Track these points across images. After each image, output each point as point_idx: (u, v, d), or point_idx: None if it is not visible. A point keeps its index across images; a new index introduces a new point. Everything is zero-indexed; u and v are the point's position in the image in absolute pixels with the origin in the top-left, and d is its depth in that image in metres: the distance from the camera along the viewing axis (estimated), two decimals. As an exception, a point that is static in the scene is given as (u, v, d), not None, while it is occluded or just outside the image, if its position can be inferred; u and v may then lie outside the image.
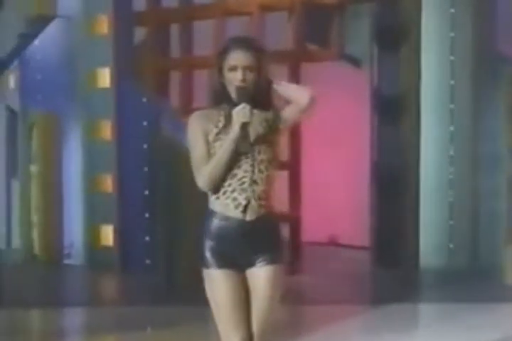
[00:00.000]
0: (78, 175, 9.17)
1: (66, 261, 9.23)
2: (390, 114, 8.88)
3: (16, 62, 9.46)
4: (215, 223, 3.43)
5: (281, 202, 8.44)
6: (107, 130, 8.96)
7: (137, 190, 8.38)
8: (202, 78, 8.46)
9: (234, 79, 3.43)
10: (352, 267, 9.07)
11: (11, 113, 10.06)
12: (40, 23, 9.26)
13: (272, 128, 3.47)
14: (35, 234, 9.35)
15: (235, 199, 3.41)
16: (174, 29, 9.77)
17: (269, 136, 3.45)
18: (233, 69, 3.43)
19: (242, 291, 3.41)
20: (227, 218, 3.42)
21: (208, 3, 9.39)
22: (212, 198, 3.46)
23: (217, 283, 3.40)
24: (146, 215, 8.24)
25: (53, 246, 9.29)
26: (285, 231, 8.59)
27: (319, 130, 9.92)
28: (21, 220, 9.61)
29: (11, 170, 10.07)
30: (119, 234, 8.73)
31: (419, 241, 8.65)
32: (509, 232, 8.13)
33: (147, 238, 8.12)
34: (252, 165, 3.42)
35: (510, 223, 8.15)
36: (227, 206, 3.42)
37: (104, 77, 8.99)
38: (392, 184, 8.80)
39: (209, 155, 3.41)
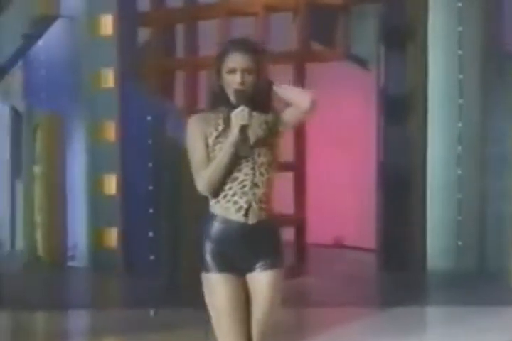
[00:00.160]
0: (82, 176, 9.14)
1: (70, 263, 9.20)
2: (397, 114, 8.83)
3: (19, 63, 9.43)
4: (216, 226, 3.42)
5: (286, 203, 8.45)
6: (110, 131, 8.94)
7: (142, 187, 8.36)
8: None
9: (232, 82, 3.41)
10: (358, 269, 9.01)
11: (16, 114, 10.04)
12: (43, 23, 9.24)
13: (272, 131, 3.45)
14: (39, 236, 9.32)
15: (235, 202, 3.40)
16: (179, 29, 9.73)
17: (269, 139, 3.44)
18: (232, 71, 3.41)
19: (242, 295, 3.40)
20: (228, 221, 3.41)
21: (213, 3, 9.36)
22: (212, 202, 3.45)
23: (216, 287, 3.38)
24: (151, 211, 8.22)
25: (57, 248, 9.26)
26: (290, 232, 8.54)
27: (325, 130, 9.88)
28: (25, 221, 9.58)
29: (15, 171, 10.05)
30: (123, 231, 8.71)
31: (426, 243, 8.59)
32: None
33: (151, 234, 8.11)
34: (253, 168, 3.41)
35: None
36: (228, 209, 3.41)
37: (108, 78, 8.96)
38: (399, 185, 8.74)
39: (209, 158, 3.41)
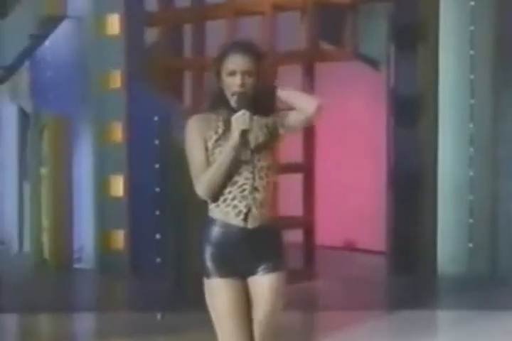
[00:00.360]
0: (89, 178, 9.10)
1: (76, 265, 9.17)
2: (407, 115, 8.76)
3: (26, 64, 9.41)
4: (216, 231, 3.40)
5: (295, 205, 8.38)
6: (117, 132, 8.91)
7: (148, 189, 8.32)
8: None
9: (232, 84, 3.37)
10: (368, 272, 8.94)
11: (23, 115, 10.02)
12: (50, 23, 9.22)
13: (273, 135, 3.42)
14: (45, 238, 9.28)
15: (235, 206, 3.37)
16: (187, 29, 9.69)
17: (269, 143, 3.41)
18: (232, 73, 3.38)
19: (244, 300, 3.38)
20: (227, 225, 3.39)
21: (221, 3, 9.31)
22: (211, 206, 3.42)
23: (218, 292, 3.37)
24: (157, 213, 8.19)
25: (63, 250, 9.23)
26: (299, 234, 8.46)
27: (334, 131, 9.82)
28: (32, 223, 9.55)
29: (23, 172, 10.04)
30: (129, 234, 8.67)
31: (437, 247, 8.50)
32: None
33: (158, 236, 8.07)
34: (253, 172, 3.38)
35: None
36: (228, 214, 3.38)
37: (116, 79, 8.92)
38: (410, 186, 8.66)
39: (208, 162, 3.37)
